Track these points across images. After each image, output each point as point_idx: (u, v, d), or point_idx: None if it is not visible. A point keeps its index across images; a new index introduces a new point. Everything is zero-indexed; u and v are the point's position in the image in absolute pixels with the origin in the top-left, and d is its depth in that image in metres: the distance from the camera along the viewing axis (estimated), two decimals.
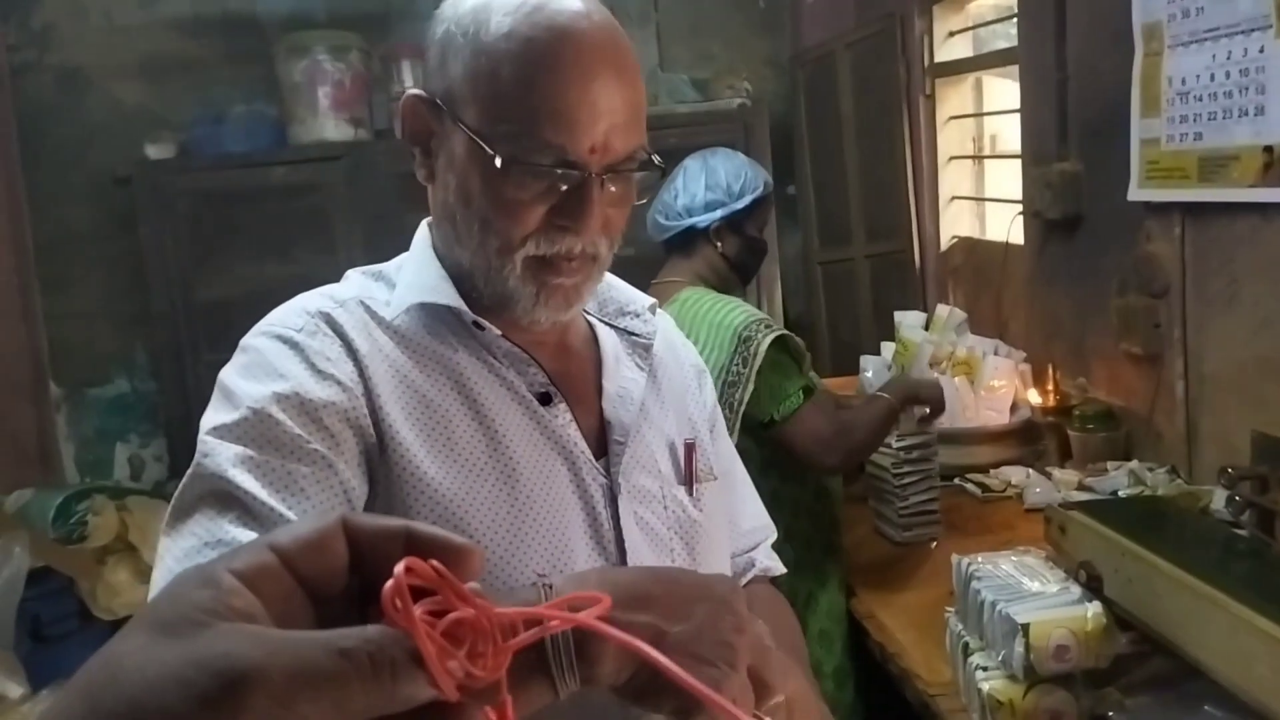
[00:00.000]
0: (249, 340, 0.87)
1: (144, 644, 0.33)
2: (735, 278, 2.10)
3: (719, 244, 2.03)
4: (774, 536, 1.13)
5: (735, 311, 1.89)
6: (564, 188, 0.85)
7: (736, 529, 1.07)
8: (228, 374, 0.84)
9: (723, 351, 1.84)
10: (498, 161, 0.83)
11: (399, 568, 0.35)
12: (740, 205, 2.00)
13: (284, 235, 3.32)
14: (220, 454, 0.77)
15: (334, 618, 0.36)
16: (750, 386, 1.82)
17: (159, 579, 0.75)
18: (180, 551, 0.74)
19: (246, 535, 0.73)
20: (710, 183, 2.01)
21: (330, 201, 3.28)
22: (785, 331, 1.89)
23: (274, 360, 0.83)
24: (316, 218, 3.30)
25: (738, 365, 1.83)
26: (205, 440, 0.79)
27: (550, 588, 0.54)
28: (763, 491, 1.17)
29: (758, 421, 1.84)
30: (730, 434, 1.65)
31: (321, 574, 0.37)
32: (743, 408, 1.83)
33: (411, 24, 3.62)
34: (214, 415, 0.81)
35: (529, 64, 0.82)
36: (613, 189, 0.87)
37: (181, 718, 0.31)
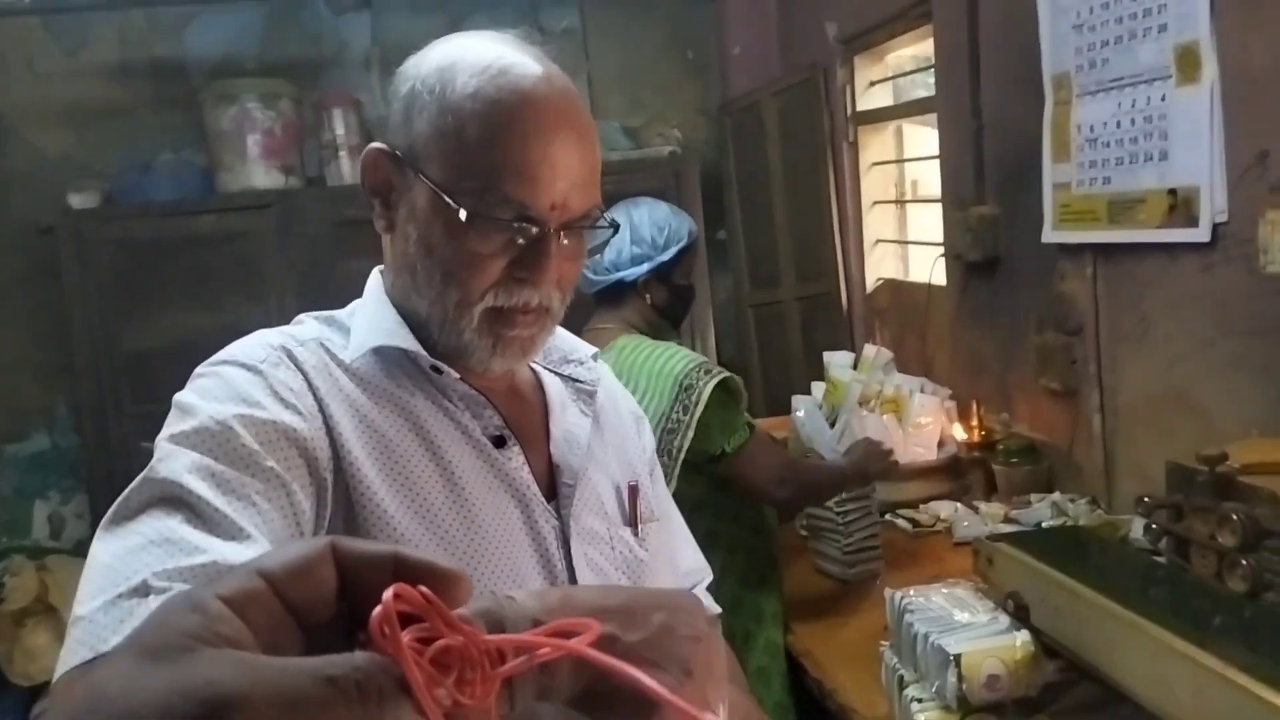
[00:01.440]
0: (209, 368, 0.87)
1: (128, 670, 0.33)
2: (666, 324, 2.12)
3: (647, 295, 2.04)
4: (710, 578, 1.15)
5: (674, 359, 1.90)
6: (523, 242, 0.88)
7: (674, 570, 1.09)
8: (187, 395, 0.84)
9: (663, 399, 1.85)
10: (462, 215, 0.86)
11: (387, 594, 0.35)
12: (666, 257, 2.02)
13: (213, 285, 3.27)
14: (176, 460, 0.76)
15: (323, 644, 0.36)
16: (690, 433, 1.83)
17: (90, 579, 0.71)
18: (120, 549, 0.72)
19: (195, 536, 0.72)
20: (635, 237, 2.03)
21: (260, 250, 3.24)
22: (726, 374, 1.92)
23: (237, 385, 0.84)
24: (246, 267, 3.26)
25: (678, 413, 1.84)
26: (161, 446, 0.79)
27: (512, 599, 0.53)
28: (699, 530, 1.18)
29: (707, 457, 1.85)
30: (669, 480, 1.69)
31: (310, 600, 0.36)
32: (682, 455, 1.83)
33: (343, 72, 3.64)
34: (171, 427, 0.81)
35: (494, 124, 0.86)
36: (569, 244, 0.90)
37: None
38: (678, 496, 1.22)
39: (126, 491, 0.77)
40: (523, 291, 0.89)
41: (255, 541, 0.73)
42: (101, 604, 0.68)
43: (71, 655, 0.67)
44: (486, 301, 0.89)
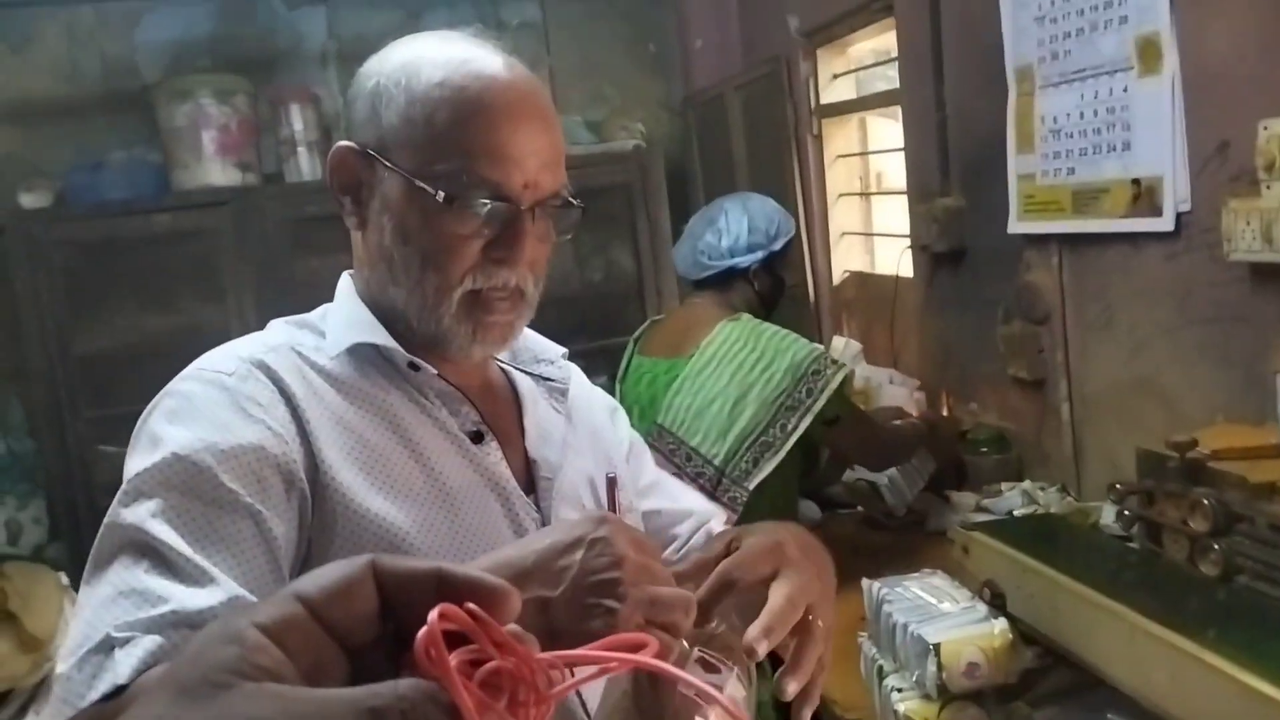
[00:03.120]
0: (177, 385, 0.88)
1: (163, 711, 0.31)
2: (763, 311, 2.25)
3: (755, 282, 2.22)
4: (723, 517, 1.18)
5: (799, 341, 2.06)
6: (497, 223, 0.90)
7: (687, 515, 1.14)
8: (155, 418, 0.85)
9: (785, 377, 1.98)
10: (439, 196, 0.88)
11: (432, 615, 0.33)
12: (776, 247, 2.22)
13: (169, 284, 3.20)
14: (140, 505, 0.77)
15: (367, 668, 0.35)
16: (809, 417, 1.96)
17: (72, 633, 0.74)
18: (96, 601, 0.74)
19: (162, 585, 0.73)
20: (751, 226, 2.21)
21: (217, 249, 3.18)
22: (847, 367, 2.10)
23: (202, 405, 0.84)
24: (203, 266, 3.20)
25: (801, 393, 1.97)
26: (127, 488, 0.80)
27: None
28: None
29: (821, 420, 1.98)
30: (776, 454, 1.93)
31: (351, 623, 0.35)
32: (796, 434, 1.96)
33: (299, 67, 3.58)
34: (137, 460, 0.81)
35: (463, 108, 0.89)
36: (539, 225, 0.93)
37: None
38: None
39: (99, 537, 0.79)
40: (500, 272, 0.91)
41: (219, 584, 0.75)
42: (75, 662, 0.71)
43: (56, 714, 0.70)
44: (466, 285, 0.91)
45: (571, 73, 3.81)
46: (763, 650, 0.76)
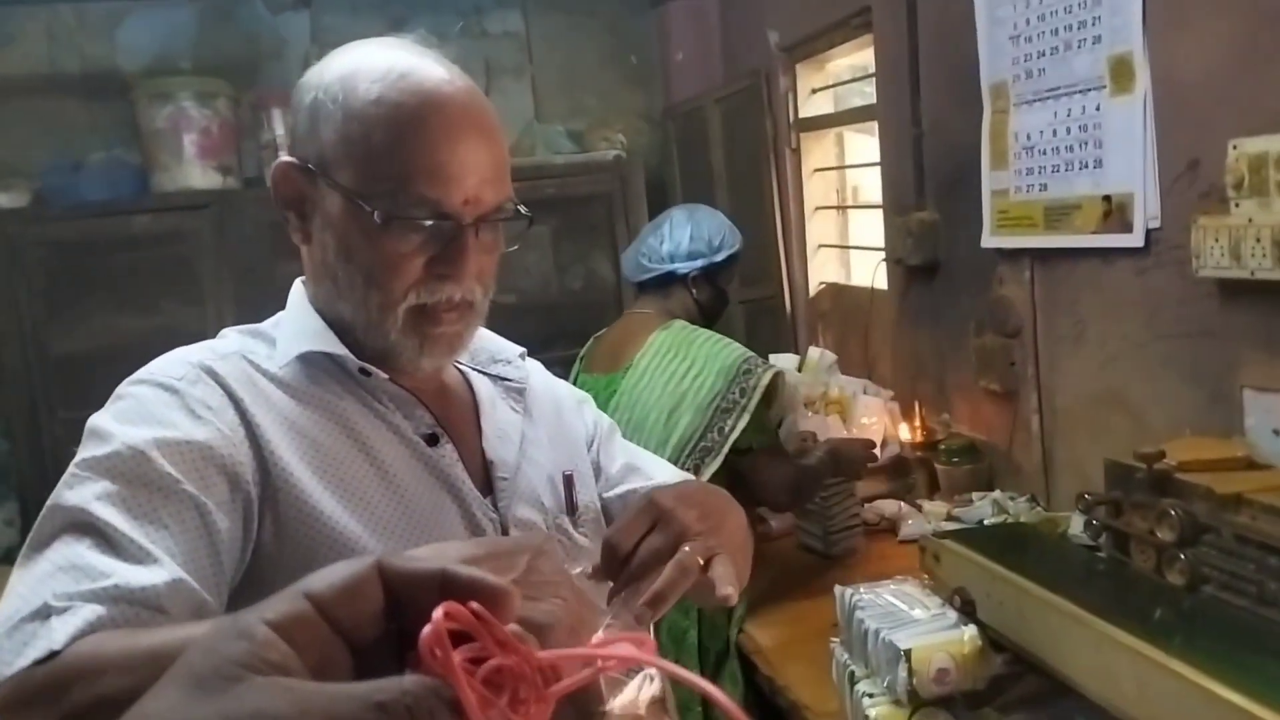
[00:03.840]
0: (126, 388, 0.88)
1: (175, 702, 0.32)
2: (702, 321, 2.24)
3: (694, 290, 2.22)
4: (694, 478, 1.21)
5: (732, 345, 2.06)
6: (439, 240, 0.90)
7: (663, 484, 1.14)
8: (101, 418, 0.85)
9: (718, 380, 1.98)
10: (377, 218, 0.87)
11: (437, 613, 0.34)
12: (718, 259, 2.22)
13: (147, 287, 3.19)
14: (85, 488, 0.77)
15: (372, 665, 0.36)
16: (746, 416, 1.95)
17: (8, 606, 0.72)
18: (32, 578, 0.73)
19: (105, 561, 0.73)
20: (695, 234, 2.21)
21: (197, 251, 3.18)
22: (778, 370, 2.06)
23: (151, 407, 0.84)
24: (182, 268, 3.19)
25: (734, 394, 1.97)
26: (71, 473, 0.80)
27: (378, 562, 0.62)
28: None
29: (735, 449, 1.95)
30: (716, 457, 1.92)
31: (358, 621, 0.36)
32: (734, 435, 1.94)
33: (281, 71, 3.58)
34: (85, 452, 0.81)
35: (400, 126, 0.87)
36: (485, 238, 0.92)
37: None
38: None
39: (38, 520, 0.78)
40: (444, 287, 0.91)
41: (162, 565, 0.74)
42: (6, 629, 0.69)
43: None
44: (409, 300, 0.90)
45: (553, 82, 3.83)
46: (649, 617, 0.76)
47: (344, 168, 0.89)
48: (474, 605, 0.36)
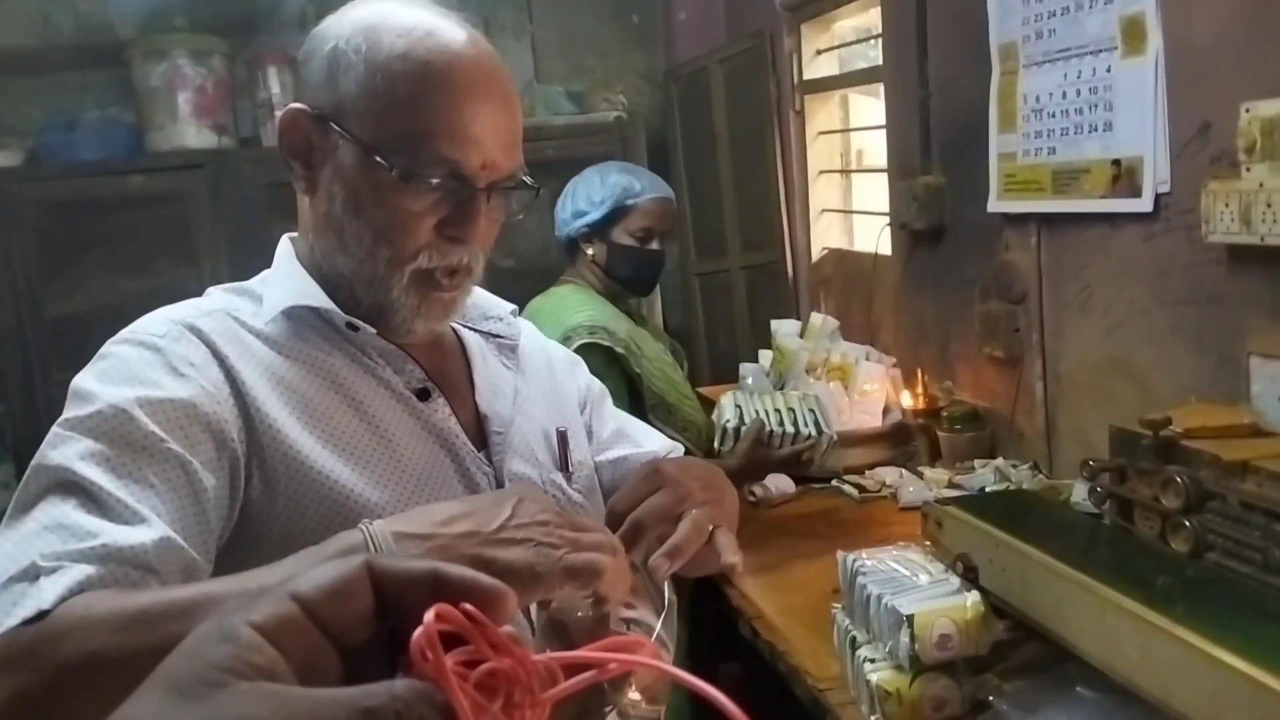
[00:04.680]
0: (109, 348, 0.87)
1: (156, 708, 0.31)
2: (615, 284, 2.16)
3: (589, 251, 2.14)
4: (680, 452, 1.21)
5: (571, 313, 1.97)
6: (452, 202, 0.89)
7: (653, 453, 1.16)
8: (84, 378, 0.84)
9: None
10: (395, 173, 0.86)
11: (428, 615, 0.33)
12: (597, 215, 2.11)
13: (142, 246, 3.17)
14: (69, 446, 0.77)
15: (362, 668, 0.35)
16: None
17: None
18: (19, 538, 0.72)
19: (92, 521, 0.72)
20: (578, 193, 2.13)
21: (192, 211, 3.15)
22: (604, 342, 1.95)
23: (133, 365, 0.84)
24: (177, 228, 3.16)
25: None
26: (54, 433, 0.79)
27: (370, 523, 0.71)
28: None
29: None
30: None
31: (347, 622, 0.35)
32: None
33: (277, 29, 3.52)
34: (68, 412, 0.81)
35: (426, 84, 0.87)
36: (493, 205, 0.92)
37: None
38: None
39: (23, 482, 0.77)
40: (454, 251, 0.91)
41: (150, 524, 0.74)
42: None
43: None
44: (419, 262, 0.90)
45: (554, 43, 3.78)
46: (666, 567, 0.82)
47: (363, 120, 0.88)
48: (467, 606, 0.35)
